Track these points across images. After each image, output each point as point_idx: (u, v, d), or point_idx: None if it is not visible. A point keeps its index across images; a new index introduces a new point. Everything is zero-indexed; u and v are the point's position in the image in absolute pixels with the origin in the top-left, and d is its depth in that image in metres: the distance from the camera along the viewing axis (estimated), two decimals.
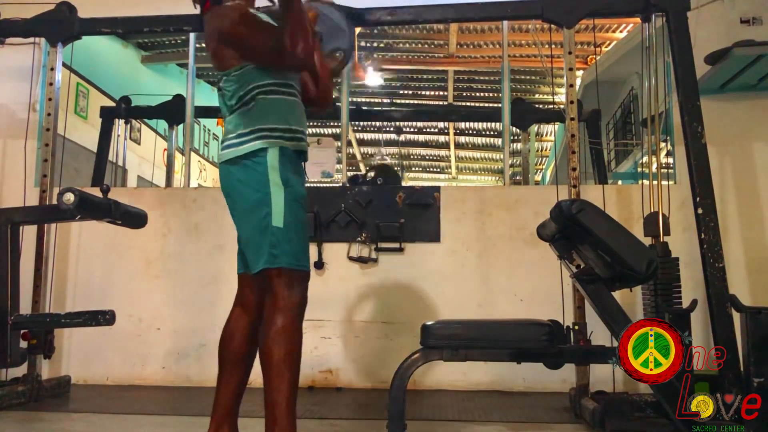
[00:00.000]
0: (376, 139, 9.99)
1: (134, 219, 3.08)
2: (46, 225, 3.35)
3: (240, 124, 1.95)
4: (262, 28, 1.91)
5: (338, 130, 4.26)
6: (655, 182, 2.90)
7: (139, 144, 6.91)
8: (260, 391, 1.84)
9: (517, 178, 7.81)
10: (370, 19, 3.23)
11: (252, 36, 1.90)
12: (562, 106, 3.53)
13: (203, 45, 6.40)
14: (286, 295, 1.87)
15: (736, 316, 2.43)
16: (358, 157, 10.65)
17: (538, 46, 5.58)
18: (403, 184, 10.16)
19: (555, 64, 4.35)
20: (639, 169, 5.59)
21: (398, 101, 8.17)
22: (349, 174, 4.21)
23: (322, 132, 8.20)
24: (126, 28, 3.76)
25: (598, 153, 4.73)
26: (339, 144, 4.44)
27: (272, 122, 1.94)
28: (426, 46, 6.60)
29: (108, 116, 5.05)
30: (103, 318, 2.93)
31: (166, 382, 3.70)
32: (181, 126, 4.78)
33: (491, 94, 7.78)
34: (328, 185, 4.18)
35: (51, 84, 3.42)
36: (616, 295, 2.34)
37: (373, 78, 7.20)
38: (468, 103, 8.23)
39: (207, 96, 7.76)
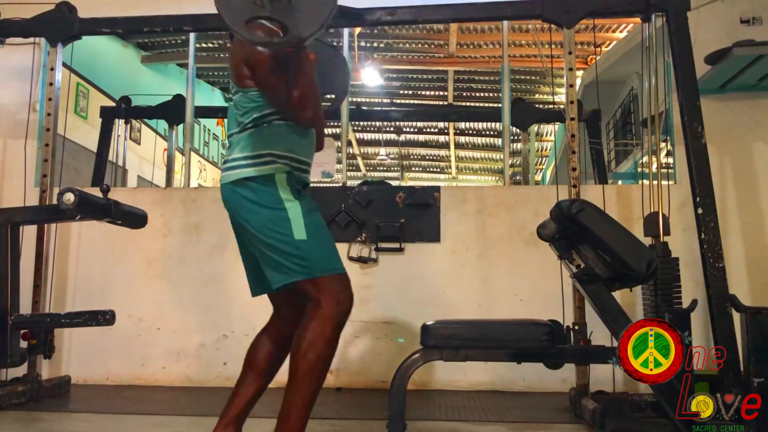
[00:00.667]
0: (376, 139, 9.99)
1: (134, 219, 3.08)
2: (46, 225, 3.35)
3: (248, 145, 1.93)
4: (279, 81, 1.85)
5: (338, 130, 4.25)
6: (655, 182, 2.90)
7: (139, 144, 6.91)
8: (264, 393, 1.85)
9: (517, 178, 7.81)
10: (370, 19, 3.23)
11: (270, 84, 1.87)
12: (562, 106, 3.53)
13: (203, 45, 6.46)
14: (329, 303, 1.85)
15: (736, 316, 2.43)
16: (358, 157, 10.66)
17: (538, 46, 5.59)
18: (403, 184, 10.17)
19: (555, 64, 4.36)
20: (639, 169, 5.59)
21: (398, 101, 8.17)
22: (349, 174, 4.20)
23: None
24: (126, 28, 3.76)
25: (598, 153, 4.73)
26: (339, 144, 4.44)
27: (282, 149, 1.93)
28: (426, 46, 6.60)
29: (108, 116, 5.05)
30: (103, 318, 2.93)
31: (166, 382, 3.70)
32: (181, 126, 4.78)
33: (491, 94, 7.79)
34: (328, 185, 4.18)
35: (51, 84, 3.42)
36: (616, 295, 2.34)
37: (373, 78, 7.20)
38: (468, 103, 8.23)
39: (207, 96, 7.78)
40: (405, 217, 3.71)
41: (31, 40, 3.71)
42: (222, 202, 1.99)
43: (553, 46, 4.33)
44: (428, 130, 9.49)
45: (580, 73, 5.85)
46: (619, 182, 6.31)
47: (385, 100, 8.14)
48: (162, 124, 6.29)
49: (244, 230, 1.94)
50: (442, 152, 10.52)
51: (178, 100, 4.74)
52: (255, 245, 1.92)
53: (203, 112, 5.88)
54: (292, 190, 1.92)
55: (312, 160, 2.07)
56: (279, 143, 1.93)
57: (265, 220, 1.88)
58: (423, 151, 10.65)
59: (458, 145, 10.05)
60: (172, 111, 4.86)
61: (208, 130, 8.53)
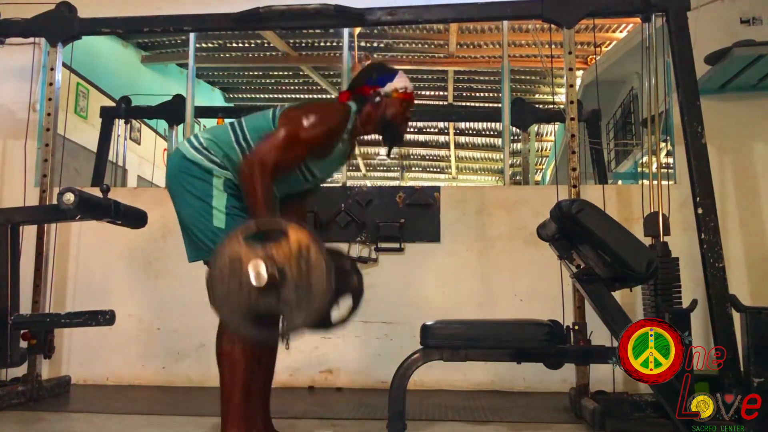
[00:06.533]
0: (375, 138, 9.96)
1: (134, 219, 3.08)
2: (46, 225, 3.35)
3: (215, 139, 2.12)
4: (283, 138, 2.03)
5: None
6: (655, 182, 2.90)
7: (139, 144, 6.90)
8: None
9: (517, 178, 7.81)
10: (370, 19, 3.23)
11: (282, 133, 2.04)
12: (562, 106, 3.53)
13: (203, 45, 6.45)
14: None
15: (736, 316, 2.43)
16: (358, 156, 10.65)
17: (538, 46, 5.58)
18: (403, 184, 10.17)
19: (555, 64, 4.34)
20: (639, 169, 5.59)
21: None
22: (349, 174, 4.19)
23: None
24: (126, 28, 3.76)
25: (598, 153, 4.73)
26: None
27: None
28: (426, 46, 6.59)
29: (108, 116, 5.05)
30: (103, 318, 2.93)
31: (166, 382, 3.70)
32: (181, 126, 4.78)
33: (491, 94, 7.77)
34: (328, 185, 4.18)
35: (51, 84, 3.42)
36: (616, 295, 2.34)
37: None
38: (468, 103, 8.22)
39: (207, 96, 7.77)
40: (405, 217, 3.71)
41: (31, 40, 3.71)
42: None
43: (553, 46, 4.32)
44: (428, 130, 9.46)
45: (580, 73, 5.84)
46: (619, 182, 6.30)
47: None
48: (162, 124, 6.28)
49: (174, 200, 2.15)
50: (442, 152, 10.50)
51: (178, 100, 4.74)
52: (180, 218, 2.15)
53: (203, 112, 5.88)
54: (225, 188, 2.07)
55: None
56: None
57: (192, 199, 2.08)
58: (423, 151, 10.63)
59: (458, 145, 10.04)
60: (172, 111, 4.86)
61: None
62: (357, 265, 2.39)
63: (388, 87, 2.21)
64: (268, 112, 2.16)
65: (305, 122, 2.04)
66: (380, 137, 2.32)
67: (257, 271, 1.75)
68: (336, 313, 2.27)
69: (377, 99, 2.20)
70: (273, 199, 2.00)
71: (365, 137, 2.36)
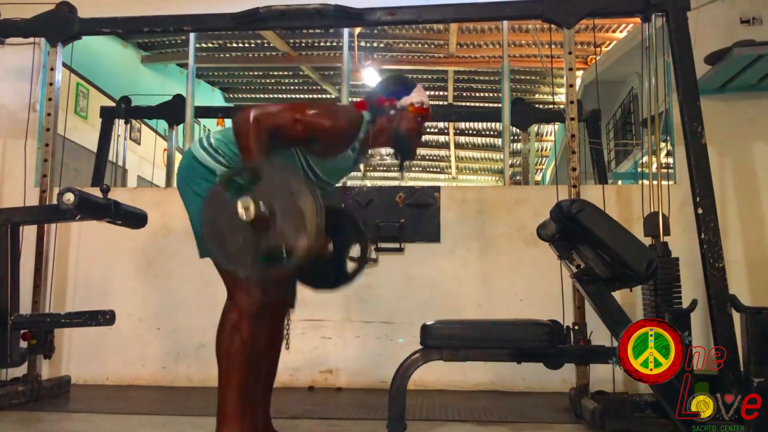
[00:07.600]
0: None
1: (134, 219, 3.08)
2: (46, 225, 3.35)
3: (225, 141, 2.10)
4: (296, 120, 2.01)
5: None
6: (655, 182, 2.90)
7: (139, 144, 6.91)
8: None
9: (517, 178, 7.81)
10: (370, 19, 3.23)
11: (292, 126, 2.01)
12: (562, 106, 3.53)
13: (203, 45, 6.45)
14: (242, 297, 2.16)
15: (736, 316, 2.43)
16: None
17: (538, 46, 5.58)
18: (403, 184, 10.13)
19: (555, 64, 4.36)
20: (639, 169, 5.59)
21: None
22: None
23: None
24: (126, 28, 3.76)
25: (598, 153, 4.73)
26: None
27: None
28: (426, 46, 6.60)
29: (108, 116, 5.05)
30: (103, 318, 2.93)
31: (166, 382, 3.70)
32: (181, 126, 4.78)
33: (491, 94, 7.78)
34: None
35: (51, 84, 3.42)
36: (616, 295, 2.34)
37: (373, 78, 7.19)
38: (468, 103, 8.23)
39: (207, 96, 7.77)
40: (405, 217, 3.71)
41: (31, 40, 3.70)
42: None
43: (553, 46, 4.32)
44: (428, 130, 9.47)
45: (580, 73, 5.85)
46: (619, 182, 6.31)
47: None
48: (162, 124, 6.28)
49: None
50: (442, 152, 10.51)
51: (178, 100, 4.74)
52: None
53: (203, 112, 5.88)
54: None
55: None
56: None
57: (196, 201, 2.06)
58: (423, 151, 10.64)
59: (458, 145, 10.04)
60: (172, 111, 4.86)
61: (208, 130, 8.52)
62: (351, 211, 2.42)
63: (405, 100, 2.19)
64: None
65: (310, 110, 2.04)
66: (392, 151, 2.31)
67: (245, 207, 1.76)
68: (350, 264, 2.41)
69: (392, 111, 2.19)
70: (266, 149, 1.95)
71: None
